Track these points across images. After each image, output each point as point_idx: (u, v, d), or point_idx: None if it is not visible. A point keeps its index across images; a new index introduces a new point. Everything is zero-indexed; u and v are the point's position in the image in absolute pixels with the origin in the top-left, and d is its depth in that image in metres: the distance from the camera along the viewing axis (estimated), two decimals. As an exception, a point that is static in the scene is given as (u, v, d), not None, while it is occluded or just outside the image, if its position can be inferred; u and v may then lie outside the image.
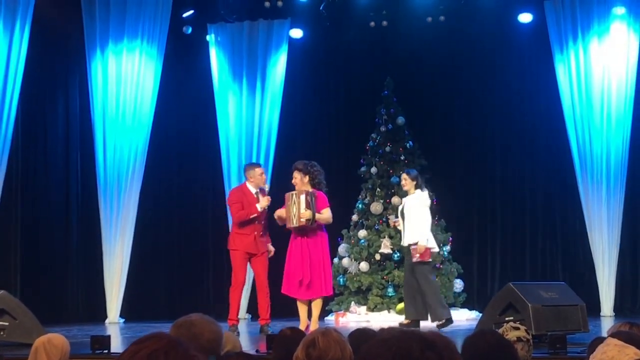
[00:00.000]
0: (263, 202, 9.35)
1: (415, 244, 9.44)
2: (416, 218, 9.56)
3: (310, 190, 9.10)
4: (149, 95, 12.10)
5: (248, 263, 9.49)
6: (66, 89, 12.64)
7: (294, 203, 8.98)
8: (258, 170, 9.62)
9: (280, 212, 9.25)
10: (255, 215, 9.34)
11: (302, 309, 9.20)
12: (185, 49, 13.04)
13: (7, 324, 8.19)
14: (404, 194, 11.96)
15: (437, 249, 10.05)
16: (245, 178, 9.71)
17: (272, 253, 9.55)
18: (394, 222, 9.49)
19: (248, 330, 10.03)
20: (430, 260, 9.65)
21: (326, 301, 11.76)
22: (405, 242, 9.72)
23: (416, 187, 9.73)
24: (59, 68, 12.50)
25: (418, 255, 9.40)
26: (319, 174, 9.27)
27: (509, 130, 12.83)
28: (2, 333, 8.10)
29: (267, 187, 9.60)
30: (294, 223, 9.00)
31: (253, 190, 9.49)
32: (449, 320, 9.51)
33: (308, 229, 9.08)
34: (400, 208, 9.82)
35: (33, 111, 12.00)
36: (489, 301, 8.41)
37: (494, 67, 12.81)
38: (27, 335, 7.94)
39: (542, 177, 12.64)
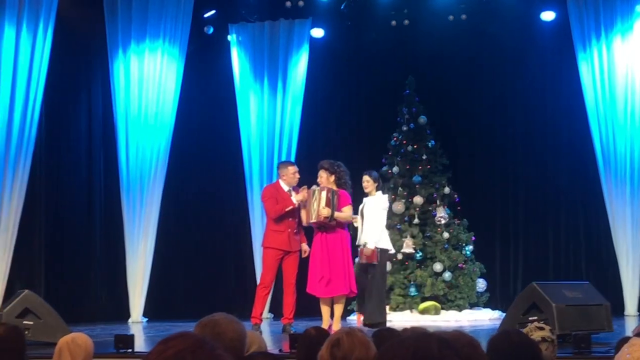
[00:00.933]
0: (299, 196, 9.36)
1: (364, 245, 9.31)
2: (371, 220, 9.36)
3: (334, 188, 9.08)
4: (171, 95, 12.14)
5: (280, 262, 9.50)
6: (89, 90, 12.70)
7: (316, 199, 8.98)
8: (291, 169, 9.65)
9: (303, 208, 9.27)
10: (291, 207, 9.36)
11: (324, 309, 9.18)
12: (207, 49, 13.07)
13: (31, 323, 8.25)
14: (426, 193, 11.99)
15: (392, 250, 9.86)
16: (278, 176, 9.77)
17: (306, 253, 9.50)
18: (353, 218, 9.38)
19: (270, 330, 10.04)
20: (376, 262, 9.43)
21: (348, 301, 11.76)
22: (359, 241, 9.59)
23: (377, 188, 9.61)
24: (82, 69, 12.56)
25: (365, 257, 9.25)
26: (344, 174, 9.27)
27: (532, 129, 12.78)
28: (27, 332, 8.14)
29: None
30: (312, 218, 9.02)
31: (286, 188, 9.54)
32: (381, 324, 9.17)
33: (328, 227, 9.06)
34: (360, 207, 9.70)
35: (56, 112, 12.05)
36: (512, 301, 8.38)
37: (516, 66, 12.76)
38: (51, 334, 7.98)
39: (565, 175, 12.57)
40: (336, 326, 8.79)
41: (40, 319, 8.33)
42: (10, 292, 10.07)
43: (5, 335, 3.91)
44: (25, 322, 8.17)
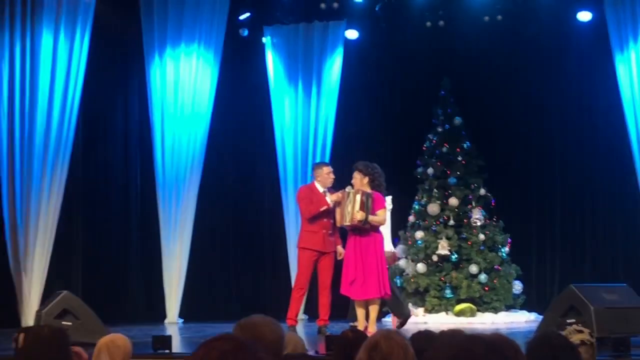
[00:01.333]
0: (333, 196, 9.37)
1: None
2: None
3: (369, 191, 9.06)
4: (206, 98, 12.20)
5: (315, 264, 9.51)
6: (125, 94, 12.81)
7: (350, 201, 8.96)
8: (325, 169, 9.69)
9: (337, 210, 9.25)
10: (325, 208, 9.39)
11: (359, 311, 9.14)
12: (241, 51, 13.12)
13: (70, 323, 8.31)
14: (461, 194, 11.93)
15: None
16: (313, 177, 9.81)
17: (341, 256, 9.49)
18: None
19: (305, 331, 10.05)
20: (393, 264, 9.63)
21: (383, 302, 11.74)
22: None
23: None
24: (119, 73, 12.67)
25: (391, 261, 9.48)
26: (379, 176, 9.22)
27: (568, 131, 12.68)
28: (65, 333, 8.21)
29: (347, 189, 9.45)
30: (346, 221, 8.97)
31: (321, 189, 9.57)
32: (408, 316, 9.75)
33: (362, 229, 9.02)
34: None
35: (93, 115, 12.17)
36: (548, 303, 8.34)
37: (552, 67, 12.66)
38: (89, 335, 8.03)
39: (602, 177, 12.46)
40: (372, 328, 8.79)
41: (79, 320, 8.40)
42: (48, 293, 10.17)
43: (50, 336, 3.96)
44: (63, 322, 8.24)
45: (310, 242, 9.48)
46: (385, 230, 9.66)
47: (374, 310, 9.15)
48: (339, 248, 9.52)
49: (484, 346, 1.81)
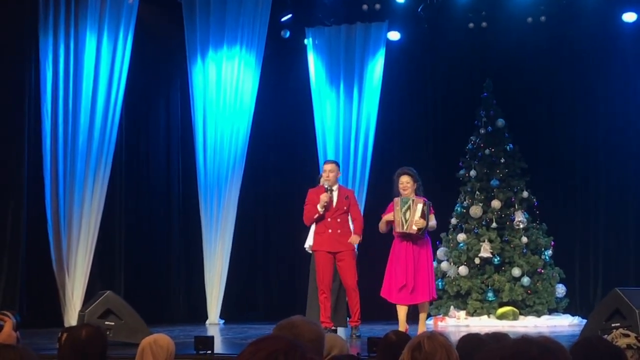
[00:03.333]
0: (322, 202, 9.35)
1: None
2: None
3: (425, 200, 9.01)
4: (248, 100, 12.23)
5: (333, 264, 9.50)
6: (167, 95, 12.90)
7: (409, 209, 8.87)
8: (324, 167, 9.73)
9: (387, 217, 9.11)
10: (317, 215, 9.41)
11: (401, 313, 9.12)
12: (283, 52, 13.14)
13: (113, 323, 8.38)
14: (504, 197, 11.84)
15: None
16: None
17: (351, 241, 9.47)
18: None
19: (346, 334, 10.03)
20: None
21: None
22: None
23: None
24: (161, 76, 12.77)
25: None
26: (421, 183, 9.22)
27: (612, 132, 12.53)
28: (108, 333, 8.27)
29: (326, 185, 9.47)
30: (404, 229, 8.89)
31: (326, 185, 9.53)
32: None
33: (415, 235, 8.97)
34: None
35: (136, 118, 12.28)
36: (592, 307, 8.26)
37: (597, 68, 12.52)
38: (132, 335, 8.11)
39: (647, 179, 12.31)
40: (421, 329, 8.88)
41: (122, 320, 8.46)
42: (91, 294, 10.27)
43: (88, 337, 3.98)
44: (107, 322, 8.30)
45: (318, 244, 9.53)
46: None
47: (424, 315, 9.20)
48: (353, 238, 9.45)
49: (537, 348, 1.79)
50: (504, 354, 1.79)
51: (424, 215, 8.84)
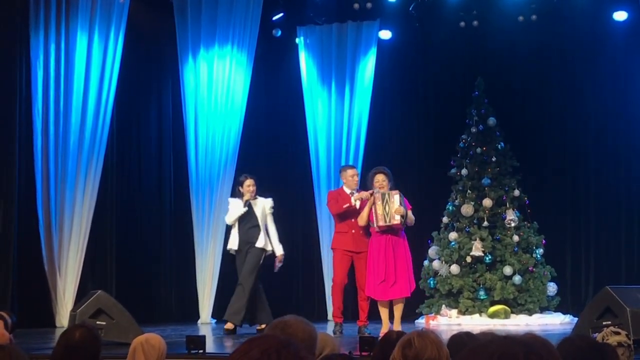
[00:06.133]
0: (357, 195, 9.49)
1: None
2: (273, 224, 10.22)
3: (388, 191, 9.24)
4: (240, 99, 12.22)
5: (350, 263, 9.58)
6: (159, 94, 12.88)
7: (387, 202, 9.05)
8: (350, 172, 9.87)
9: (362, 195, 9.41)
10: (348, 205, 9.50)
11: (383, 312, 9.32)
12: (275, 51, 13.14)
13: (104, 323, 8.36)
14: (495, 195, 11.85)
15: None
16: (342, 181, 9.94)
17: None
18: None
19: (346, 332, 10.04)
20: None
21: (416, 304, 11.72)
22: (264, 245, 10.03)
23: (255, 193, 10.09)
24: (152, 73, 12.74)
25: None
26: (394, 183, 9.46)
27: (603, 130, 12.58)
28: (100, 332, 8.25)
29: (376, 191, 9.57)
30: (386, 221, 9.05)
31: (348, 191, 9.73)
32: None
33: (395, 230, 9.17)
34: (243, 211, 10.04)
35: (127, 116, 12.26)
36: (584, 305, 8.28)
37: (588, 67, 12.56)
38: (124, 334, 8.10)
39: (638, 178, 12.33)
40: (397, 327, 8.88)
41: (113, 319, 8.44)
42: (82, 293, 10.25)
43: (81, 338, 3.98)
44: (98, 322, 8.28)
45: (340, 243, 9.66)
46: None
47: (399, 309, 9.29)
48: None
49: (524, 347, 1.79)
50: (488, 355, 1.78)
51: (401, 204, 9.09)
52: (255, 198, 10.09)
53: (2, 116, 10.66)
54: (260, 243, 9.97)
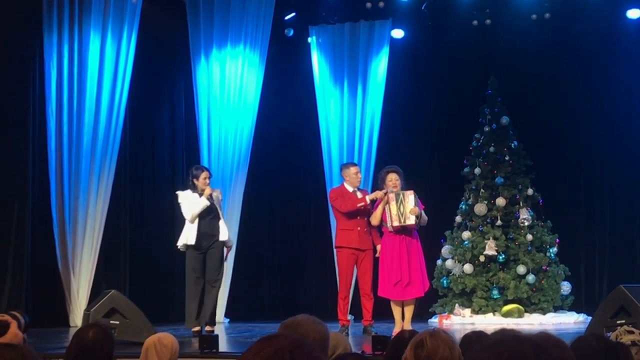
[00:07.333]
0: (372, 195, 9.44)
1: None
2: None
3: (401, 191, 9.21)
4: (252, 98, 12.24)
5: (355, 262, 9.55)
6: (172, 94, 12.90)
7: (401, 202, 9.03)
8: (352, 170, 9.75)
9: (376, 195, 9.35)
10: (363, 204, 9.44)
11: (397, 311, 9.28)
12: (287, 50, 13.14)
13: (118, 322, 8.39)
14: (509, 194, 11.81)
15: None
16: (343, 178, 9.83)
17: (378, 253, 9.54)
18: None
19: (352, 332, 10.04)
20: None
21: (429, 303, 11.71)
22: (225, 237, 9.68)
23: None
24: (165, 74, 12.76)
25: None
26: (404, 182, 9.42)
27: (617, 130, 12.53)
28: (113, 331, 8.28)
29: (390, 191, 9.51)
30: (400, 222, 9.02)
31: (350, 189, 9.63)
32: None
33: (409, 230, 9.15)
34: (208, 203, 9.56)
35: (140, 115, 12.28)
36: (597, 304, 8.25)
37: (602, 65, 12.51)
38: (137, 334, 8.13)
39: (652, 176, 12.28)
40: (407, 327, 8.87)
41: (127, 319, 8.47)
42: (96, 293, 10.28)
43: (95, 337, 3.99)
44: (111, 321, 8.31)
45: (346, 240, 9.55)
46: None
47: (410, 309, 9.27)
48: (379, 247, 9.53)
49: (532, 347, 1.78)
50: (497, 355, 1.77)
51: (415, 204, 9.07)
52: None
53: (16, 117, 10.70)
54: (223, 236, 9.55)
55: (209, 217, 9.56)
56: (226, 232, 9.64)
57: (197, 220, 9.49)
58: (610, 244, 12.53)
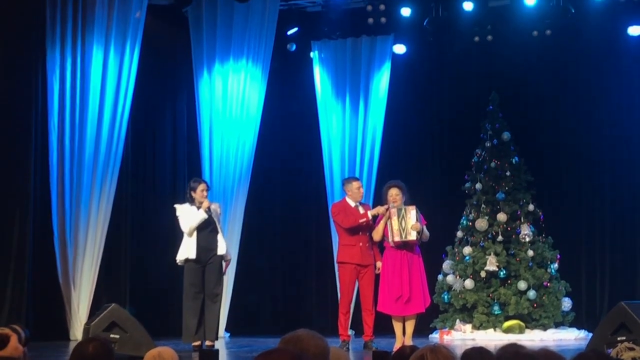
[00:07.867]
0: (374, 210, 9.46)
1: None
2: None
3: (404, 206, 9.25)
4: (254, 113, 12.26)
5: (356, 278, 9.57)
6: (174, 108, 12.92)
7: (403, 217, 9.05)
8: (355, 184, 9.78)
9: (379, 227, 9.35)
10: (365, 220, 9.45)
11: (397, 327, 9.30)
12: (289, 65, 13.17)
13: (118, 336, 8.38)
14: (510, 210, 11.81)
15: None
16: (345, 193, 9.85)
17: (378, 270, 9.55)
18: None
19: (352, 347, 10.04)
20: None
21: (430, 318, 11.69)
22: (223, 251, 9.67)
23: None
24: (167, 88, 12.79)
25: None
26: (409, 196, 9.47)
27: (618, 146, 12.52)
28: (113, 345, 8.27)
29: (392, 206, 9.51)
30: (402, 237, 9.04)
31: (352, 204, 9.65)
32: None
33: (410, 245, 9.17)
34: (206, 217, 9.58)
35: (142, 129, 12.30)
36: (598, 320, 8.24)
37: (603, 82, 12.52)
38: (137, 348, 8.12)
39: (654, 193, 12.29)
40: (408, 342, 8.89)
41: (127, 333, 8.46)
42: (96, 306, 10.27)
43: (95, 352, 3.98)
44: (112, 335, 8.31)
45: (348, 256, 9.58)
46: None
47: (411, 324, 9.30)
48: (379, 263, 9.55)
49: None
50: None
51: (417, 220, 9.12)
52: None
53: (18, 130, 10.71)
54: (221, 250, 9.53)
55: (207, 230, 9.55)
56: (224, 245, 9.64)
57: (195, 234, 9.47)
58: (611, 260, 12.51)
